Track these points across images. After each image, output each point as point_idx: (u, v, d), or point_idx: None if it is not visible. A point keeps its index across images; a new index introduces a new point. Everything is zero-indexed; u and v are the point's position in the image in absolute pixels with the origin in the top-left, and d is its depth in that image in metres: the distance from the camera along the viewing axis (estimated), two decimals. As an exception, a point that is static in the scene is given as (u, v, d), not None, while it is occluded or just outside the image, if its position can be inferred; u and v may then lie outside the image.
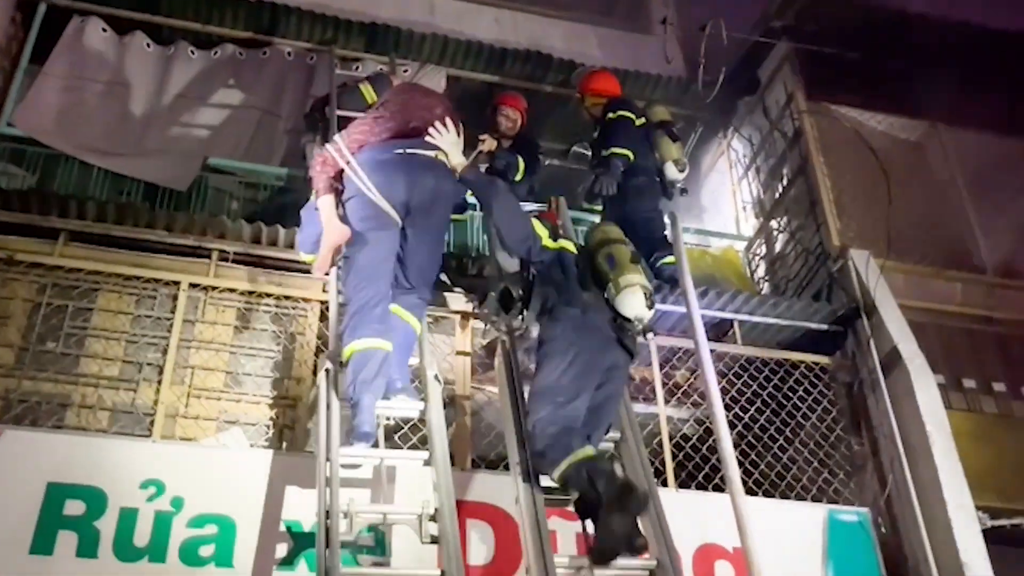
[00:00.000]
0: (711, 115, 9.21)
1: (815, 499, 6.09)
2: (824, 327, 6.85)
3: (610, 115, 7.19)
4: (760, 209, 8.67)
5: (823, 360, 6.75)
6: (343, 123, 6.92)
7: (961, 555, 5.54)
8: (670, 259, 6.66)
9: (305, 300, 5.98)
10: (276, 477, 5.16)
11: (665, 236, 7.00)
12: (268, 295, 5.94)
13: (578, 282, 4.83)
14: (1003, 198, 8.18)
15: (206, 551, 4.89)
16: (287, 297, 5.96)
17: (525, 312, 4.86)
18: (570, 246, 5.03)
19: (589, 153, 7.62)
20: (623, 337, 4.73)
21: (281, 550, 4.96)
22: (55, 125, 7.62)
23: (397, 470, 5.04)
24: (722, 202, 9.36)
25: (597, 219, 7.50)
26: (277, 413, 5.61)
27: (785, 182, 8.21)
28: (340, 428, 4.55)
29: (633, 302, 4.69)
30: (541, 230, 4.99)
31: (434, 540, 4.37)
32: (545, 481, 4.41)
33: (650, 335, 6.07)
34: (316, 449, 4.51)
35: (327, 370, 4.77)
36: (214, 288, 5.89)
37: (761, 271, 8.46)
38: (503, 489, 5.41)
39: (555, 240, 5.01)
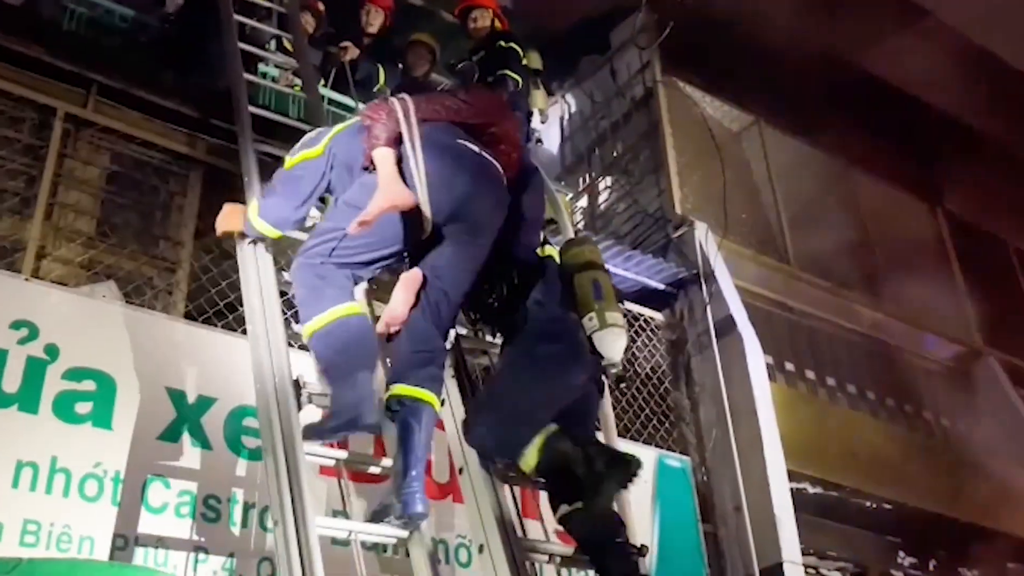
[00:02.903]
0: (552, 66, 9.38)
1: (645, 443, 6.47)
2: (661, 286, 7.26)
3: (502, 43, 7.16)
4: (589, 164, 9.00)
5: (656, 316, 7.16)
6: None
7: (775, 509, 6.13)
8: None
9: (190, 159, 5.50)
10: (160, 341, 4.75)
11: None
12: (151, 144, 5.40)
13: (560, 300, 4.19)
14: (806, 199, 9.02)
15: (83, 408, 4.40)
16: (171, 151, 5.45)
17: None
18: (556, 254, 4.38)
19: (477, 71, 7.53)
20: (596, 374, 4.18)
21: (164, 419, 4.58)
22: None
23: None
24: (541, 151, 9.60)
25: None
26: (155, 275, 5.14)
27: (627, 144, 8.55)
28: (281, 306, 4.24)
29: (617, 344, 4.13)
30: None
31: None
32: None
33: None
34: (251, 326, 4.17)
35: (254, 241, 4.42)
36: (91, 124, 5.27)
37: (580, 225, 8.78)
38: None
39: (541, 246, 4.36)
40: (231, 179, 5.41)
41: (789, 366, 7.76)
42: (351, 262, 3.88)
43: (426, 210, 3.82)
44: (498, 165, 4.02)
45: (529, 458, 3.74)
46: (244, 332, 4.61)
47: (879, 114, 10.10)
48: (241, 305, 4.58)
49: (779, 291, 8.08)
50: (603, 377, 4.16)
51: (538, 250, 4.30)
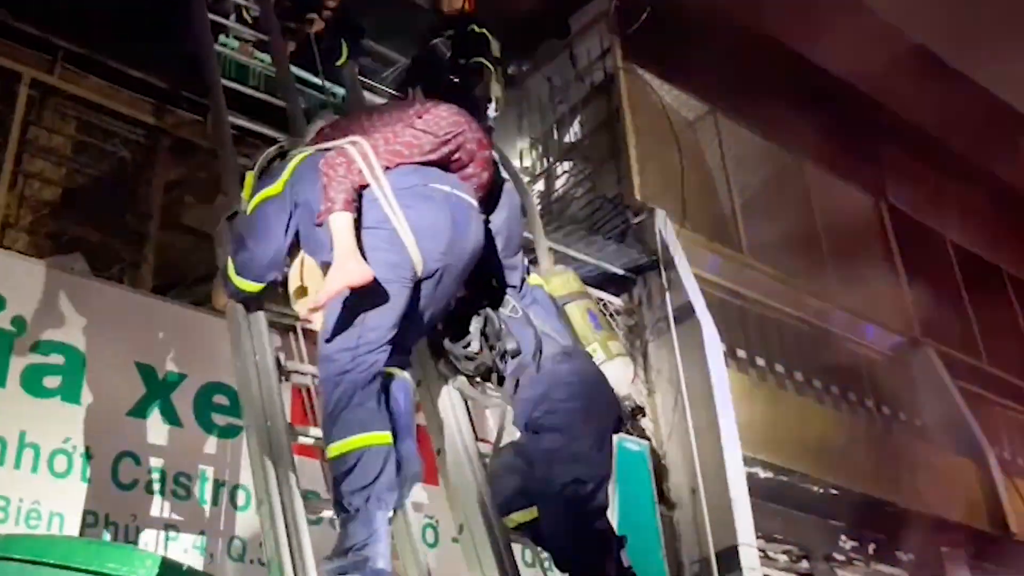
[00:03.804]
0: (510, 49, 9.37)
1: (604, 426, 6.53)
2: (620, 272, 7.33)
3: (475, 27, 7.13)
4: (546, 149, 9.03)
5: (614, 301, 7.24)
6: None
7: (730, 493, 6.26)
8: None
9: (159, 129, 5.40)
10: (129, 316, 4.70)
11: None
12: (117, 114, 5.29)
13: (567, 331, 3.89)
14: (758, 189, 9.17)
15: (52, 382, 4.34)
16: (138, 121, 5.35)
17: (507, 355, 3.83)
18: (544, 284, 4.07)
19: (449, 52, 7.47)
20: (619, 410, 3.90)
21: (133, 395, 4.53)
22: None
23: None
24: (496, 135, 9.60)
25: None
26: (122, 247, 5.05)
27: (585, 129, 8.59)
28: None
29: (627, 374, 3.94)
30: None
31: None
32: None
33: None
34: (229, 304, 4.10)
35: (236, 213, 4.36)
36: (58, 91, 5.15)
37: (537, 209, 8.80)
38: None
39: (527, 273, 4.06)
40: (200, 152, 5.36)
41: (741, 353, 7.89)
42: (380, 346, 3.48)
43: (418, 264, 3.49)
44: (470, 198, 3.70)
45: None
46: (214, 308, 4.59)
47: (828, 107, 10.26)
48: (210, 279, 4.52)
49: (732, 279, 8.20)
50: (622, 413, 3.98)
51: (526, 278, 4.04)
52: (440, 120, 3.76)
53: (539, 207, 8.62)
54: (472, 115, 6.57)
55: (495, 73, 7.41)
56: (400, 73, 8.41)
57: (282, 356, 4.07)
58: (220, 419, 4.70)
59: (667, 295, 7.06)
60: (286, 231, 3.68)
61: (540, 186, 8.92)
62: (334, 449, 3.42)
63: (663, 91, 8.99)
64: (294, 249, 3.80)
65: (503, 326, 3.80)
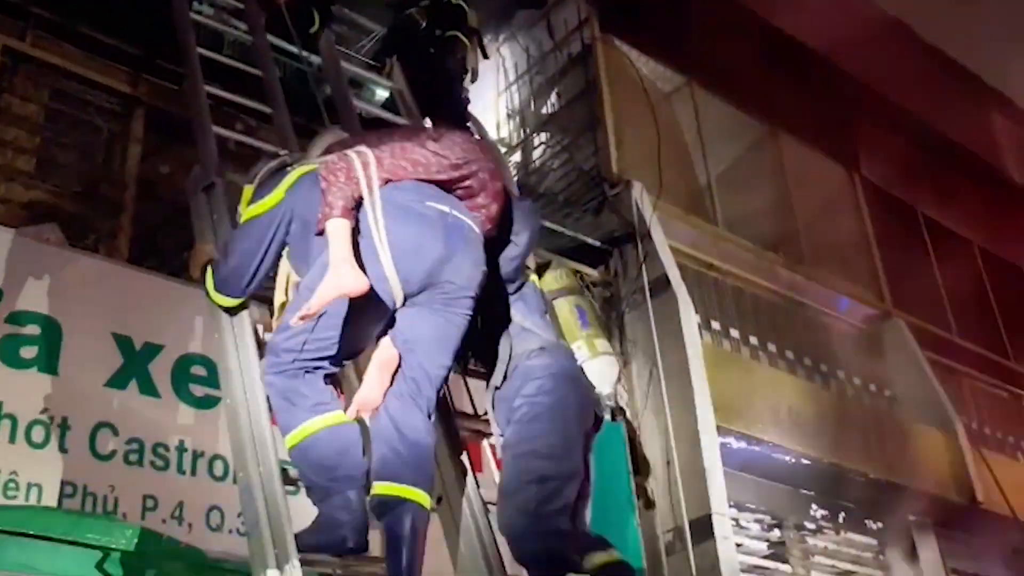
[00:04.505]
0: (487, 18, 9.32)
1: (580, 397, 6.58)
2: (597, 244, 7.36)
3: (453, -1, 7.07)
4: (523, 120, 9.01)
5: (591, 273, 7.27)
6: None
7: (704, 463, 6.33)
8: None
9: (133, 99, 5.36)
10: (105, 286, 4.70)
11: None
12: (92, 82, 5.24)
13: (548, 327, 3.79)
14: (733, 160, 9.22)
15: (28, 352, 4.34)
16: (112, 90, 5.30)
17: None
18: (536, 279, 3.97)
19: (424, 22, 7.41)
20: (598, 409, 3.79)
21: (111, 366, 4.53)
22: None
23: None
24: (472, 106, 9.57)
25: (382, 90, 7.39)
26: (97, 217, 5.02)
27: (562, 101, 8.58)
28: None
29: (610, 374, 3.96)
30: None
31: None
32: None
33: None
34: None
35: (212, 183, 4.35)
36: (30, 59, 5.09)
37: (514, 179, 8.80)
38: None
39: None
40: (176, 121, 5.32)
41: (715, 324, 7.95)
42: (325, 356, 3.40)
43: (394, 283, 3.35)
44: (472, 224, 3.53)
45: None
46: (190, 279, 4.57)
47: (803, 80, 10.32)
48: (187, 249, 4.50)
49: (706, 251, 8.25)
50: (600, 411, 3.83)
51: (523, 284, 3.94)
52: (454, 146, 3.65)
53: (516, 177, 8.64)
54: (449, 86, 6.58)
55: (471, 44, 7.39)
56: (376, 43, 8.34)
57: (261, 328, 4.07)
58: (198, 390, 4.72)
59: (643, 267, 7.10)
60: (266, 252, 3.55)
61: (517, 157, 8.91)
62: (290, 440, 3.37)
63: (640, 63, 8.98)
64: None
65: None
